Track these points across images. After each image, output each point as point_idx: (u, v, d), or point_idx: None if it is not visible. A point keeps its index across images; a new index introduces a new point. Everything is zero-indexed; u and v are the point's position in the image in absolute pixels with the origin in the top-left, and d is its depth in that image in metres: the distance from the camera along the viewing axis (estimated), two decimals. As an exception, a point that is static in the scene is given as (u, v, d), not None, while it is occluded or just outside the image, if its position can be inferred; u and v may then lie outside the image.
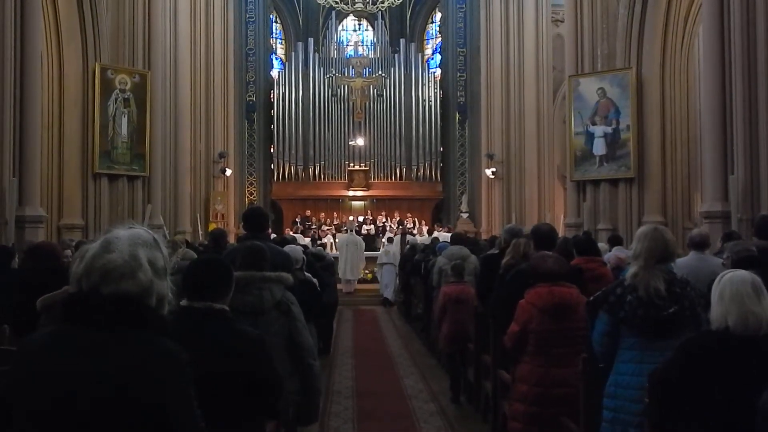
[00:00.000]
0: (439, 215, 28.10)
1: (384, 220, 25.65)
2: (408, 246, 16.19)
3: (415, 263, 13.29)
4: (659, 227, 3.92)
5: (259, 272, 4.17)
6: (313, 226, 24.81)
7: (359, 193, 27.56)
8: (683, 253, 7.16)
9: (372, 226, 25.09)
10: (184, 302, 2.89)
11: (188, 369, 2.01)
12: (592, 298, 3.98)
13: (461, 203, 27.19)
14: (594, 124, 14.59)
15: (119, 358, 1.87)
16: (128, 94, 14.28)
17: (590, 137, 14.62)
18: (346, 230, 21.69)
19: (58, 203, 13.77)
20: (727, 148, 9.75)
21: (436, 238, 15.13)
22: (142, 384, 1.86)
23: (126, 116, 14.34)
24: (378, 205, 27.33)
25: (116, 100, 14.14)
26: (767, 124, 8.78)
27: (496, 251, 7.35)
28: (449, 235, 15.70)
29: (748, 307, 2.85)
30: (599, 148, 14.48)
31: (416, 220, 25.70)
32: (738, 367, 2.84)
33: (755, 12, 8.97)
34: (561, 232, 15.67)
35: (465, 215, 26.49)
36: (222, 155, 23.07)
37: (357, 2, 19.33)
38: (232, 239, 16.29)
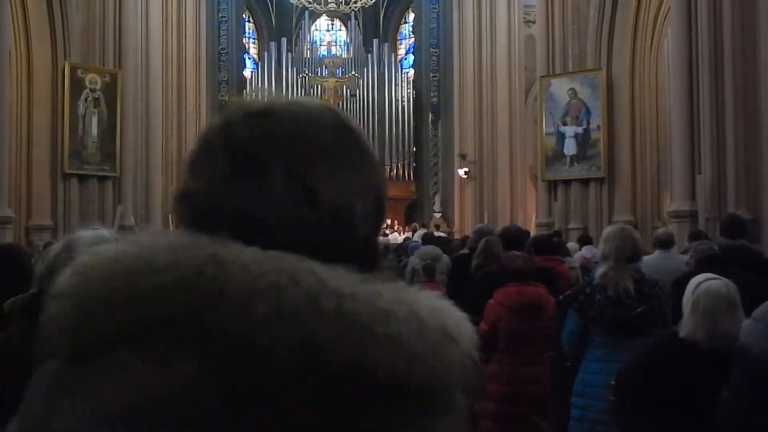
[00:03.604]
0: (412, 215, 28.13)
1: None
2: (382, 247, 16.18)
3: (387, 263, 13.31)
4: (626, 227, 3.98)
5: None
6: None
7: (332, 193, 27.50)
8: (650, 251, 7.26)
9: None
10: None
11: None
12: (561, 297, 4.02)
13: (434, 203, 27.25)
14: (565, 124, 14.71)
15: None
16: (98, 93, 14.16)
17: (561, 137, 14.74)
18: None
19: (26, 204, 13.61)
20: (694, 148, 9.88)
21: (408, 238, 15.16)
22: None
23: (96, 116, 14.21)
24: (351, 205, 27.30)
25: (86, 99, 14.02)
26: (733, 124, 8.91)
27: (467, 251, 7.40)
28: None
29: (718, 325, 2.84)
30: (570, 148, 14.61)
31: (389, 219, 25.72)
32: (702, 376, 2.87)
33: (722, 14, 9.10)
34: (533, 231, 15.80)
35: (438, 215, 26.55)
36: (194, 155, 22.89)
37: (330, 2, 19.31)
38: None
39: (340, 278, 0.73)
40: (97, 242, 2.06)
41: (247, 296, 0.69)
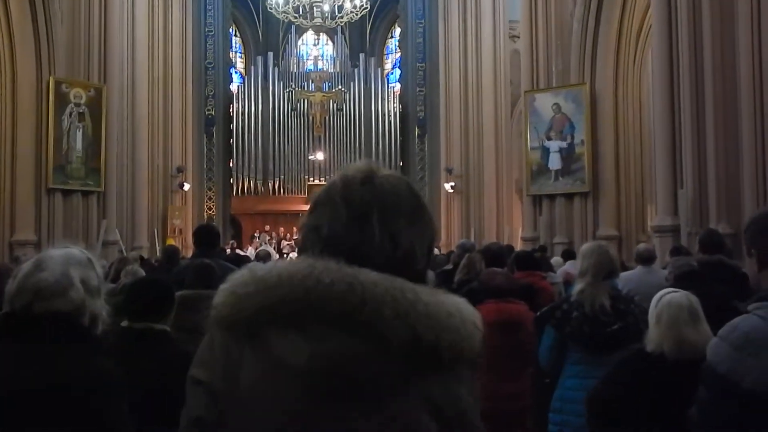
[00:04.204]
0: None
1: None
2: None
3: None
4: (602, 243, 4.01)
5: (206, 290, 4.15)
6: (273, 241, 24.68)
7: (319, 208, 27.47)
8: (631, 266, 7.30)
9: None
10: (124, 323, 2.87)
11: (121, 386, 2.01)
12: (539, 313, 4.03)
13: (421, 217, 27.26)
14: (549, 138, 14.80)
15: (51, 371, 1.87)
16: (83, 108, 14.11)
17: (546, 152, 14.82)
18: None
19: (10, 219, 13.50)
20: (676, 163, 9.95)
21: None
22: (74, 397, 1.86)
23: (81, 130, 14.16)
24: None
25: (71, 114, 13.96)
26: (714, 139, 8.98)
27: (451, 266, 7.41)
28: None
29: (683, 335, 2.91)
30: (555, 162, 14.68)
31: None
32: (671, 390, 2.90)
33: (702, 30, 9.19)
34: (519, 245, 15.85)
35: (425, 229, 26.56)
36: (180, 170, 22.88)
37: (316, 17, 19.36)
38: (190, 255, 16.14)
39: (423, 291, 1.26)
40: (66, 260, 2.07)
41: (380, 305, 1.22)
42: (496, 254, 6.05)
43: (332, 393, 1.22)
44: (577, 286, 3.85)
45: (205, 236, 5.16)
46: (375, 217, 1.29)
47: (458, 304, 1.29)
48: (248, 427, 1.26)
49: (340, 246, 1.28)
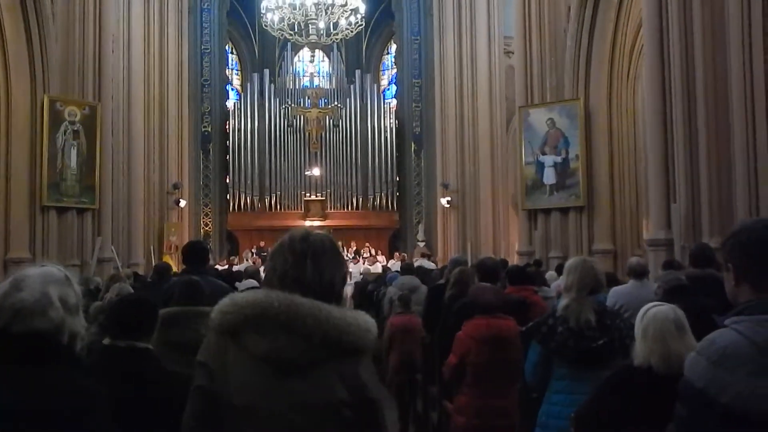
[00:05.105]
0: (396, 244, 28.14)
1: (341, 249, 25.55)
2: (361, 276, 16.18)
3: (367, 294, 13.26)
4: (588, 259, 4.00)
5: (194, 307, 4.14)
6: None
7: (316, 223, 27.46)
8: (626, 281, 7.28)
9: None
10: (106, 341, 2.86)
11: (104, 404, 2.00)
12: (524, 328, 4.02)
13: (418, 232, 27.29)
14: (544, 153, 14.83)
15: (35, 393, 1.86)
16: (78, 126, 14.13)
17: (540, 167, 14.85)
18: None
19: (4, 236, 13.48)
20: (669, 177, 9.95)
21: (388, 268, 15.14)
22: (60, 419, 1.85)
23: (75, 148, 14.17)
24: (335, 234, 26.76)
25: (65, 131, 13.99)
26: (706, 154, 8.99)
27: (444, 282, 7.40)
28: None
29: (670, 348, 2.89)
30: (549, 177, 14.71)
31: (372, 249, 25.69)
32: (659, 405, 2.88)
33: (693, 45, 9.23)
34: (515, 260, 15.84)
35: (422, 244, 26.57)
36: (176, 186, 22.90)
37: (311, 34, 19.40)
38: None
39: (333, 310, 1.99)
40: (45, 279, 2.07)
41: (304, 316, 1.96)
42: (490, 269, 6.03)
43: (281, 370, 1.96)
44: (563, 302, 3.84)
45: (194, 253, 5.16)
46: (308, 259, 2.07)
47: (357, 316, 2.05)
48: (232, 394, 1.98)
49: (288, 279, 2.06)
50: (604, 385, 3.08)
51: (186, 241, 23.39)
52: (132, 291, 5.24)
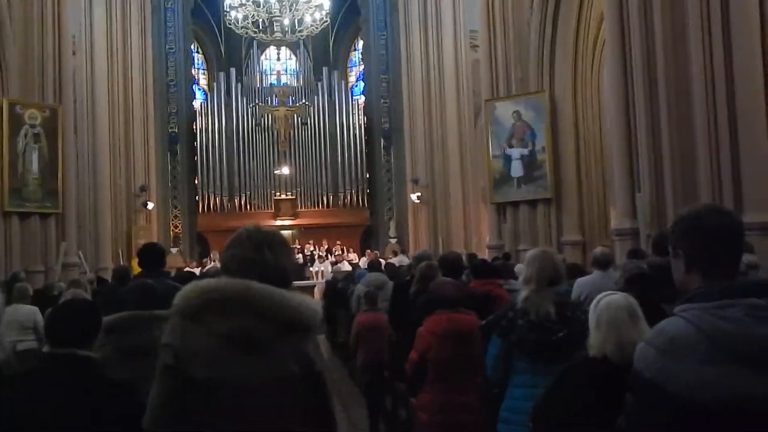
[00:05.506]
0: (367, 241, 28.06)
1: (312, 248, 25.46)
2: (332, 275, 16.09)
3: (338, 291, 13.19)
4: (547, 250, 3.96)
5: (147, 311, 4.04)
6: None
7: (287, 222, 27.34)
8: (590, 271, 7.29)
9: (300, 255, 24.89)
10: (46, 348, 2.77)
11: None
12: (484, 321, 3.97)
13: (389, 229, 27.25)
14: (511, 146, 14.82)
15: None
16: (38, 129, 13.87)
17: (508, 160, 14.84)
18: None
19: (-35, 244, 13.24)
20: (633, 166, 9.98)
21: (357, 265, 15.07)
22: None
23: (37, 152, 13.91)
24: (306, 233, 27.12)
25: (26, 135, 13.72)
26: (669, 142, 9.03)
27: (409, 278, 7.36)
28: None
29: (624, 336, 2.84)
30: (517, 170, 14.71)
31: (343, 248, 25.58)
32: (615, 395, 2.84)
33: (654, 34, 9.26)
34: (486, 254, 15.84)
35: (393, 240, 26.54)
36: (143, 188, 22.65)
37: (276, 32, 19.26)
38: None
39: (285, 293, 2.27)
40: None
41: (260, 298, 2.23)
42: (452, 263, 6.00)
43: (240, 347, 2.20)
44: (522, 294, 3.80)
45: (149, 256, 5.05)
46: (266, 247, 2.36)
47: (304, 298, 2.34)
48: (195, 371, 2.19)
49: (247, 263, 2.33)
50: (560, 378, 3.03)
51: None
52: (87, 296, 5.12)
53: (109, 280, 12.54)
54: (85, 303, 3.00)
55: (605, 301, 2.97)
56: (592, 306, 3.00)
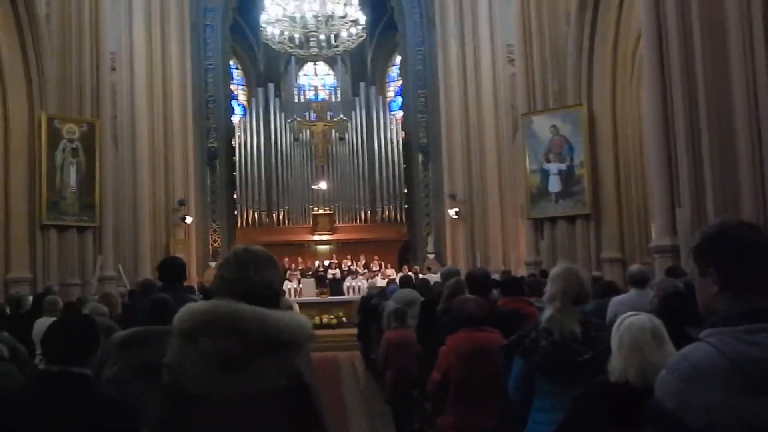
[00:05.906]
0: (405, 257, 27.86)
1: (349, 263, 25.36)
2: (367, 290, 15.96)
3: (371, 307, 13.04)
4: (572, 266, 3.76)
5: (161, 327, 3.95)
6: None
7: (324, 237, 27.30)
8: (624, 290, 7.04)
9: (338, 270, 24.81)
10: (42, 366, 2.67)
11: None
12: (507, 342, 3.80)
13: (427, 244, 27.06)
14: (548, 161, 14.60)
15: None
16: (76, 143, 14.05)
17: (545, 174, 14.62)
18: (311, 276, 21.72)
19: (4, 256, 13.42)
20: (673, 182, 9.71)
21: (393, 281, 14.91)
22: None
23: (74, 166, 14.08)
24: (343, 248, 27.04)
25: (64, 149, 13.91)
26: (710, 157, 8.76)
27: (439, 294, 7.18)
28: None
29: (647, 359, 2.63)
30: (554, 185, 14.47)
31: (381, 263, 25.42)
32: (637, 420, 2.65)
33: (693, 46, 9.01)
34: (524, 271, 15.59)
35: (431, 256, 26.34)
36: (182, 203, 22.80)
37: (312, 46, 19.32)
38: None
39: (271, 313, 2.41)
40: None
41: (249, 321, 2.36)
42: (479, 280, 5.83)
43: (227, 365, 2.34)
44: (546, 313, 3.60)
45: (168, 269, 4.97)
46: (252, 266, 2.48)
47: (291, 316, 2.49)
48: (188, 386, 2.36)
49: (234, 284, 2.47)
50: (577, 404, 2.84)
51: (193, 257, 23.34)
52: (105, 310, 5.06)
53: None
54: (80, 319, 2.90)
55: (627, 321, 2.75)
56: (614, 327, 2.80)
